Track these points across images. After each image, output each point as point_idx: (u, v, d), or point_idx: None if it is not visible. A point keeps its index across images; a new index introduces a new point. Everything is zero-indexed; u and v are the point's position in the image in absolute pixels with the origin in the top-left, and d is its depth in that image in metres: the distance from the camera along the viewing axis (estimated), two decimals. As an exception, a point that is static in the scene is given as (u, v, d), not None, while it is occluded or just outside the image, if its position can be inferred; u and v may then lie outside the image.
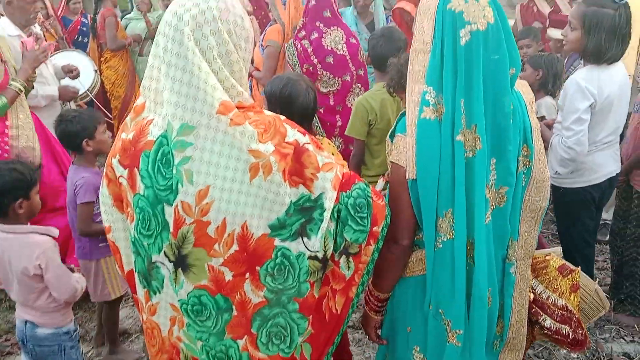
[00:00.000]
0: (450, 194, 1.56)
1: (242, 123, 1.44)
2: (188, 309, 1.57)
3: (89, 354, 3.03)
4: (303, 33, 3.79)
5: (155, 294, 1.61)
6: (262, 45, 4.10)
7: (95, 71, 4.20)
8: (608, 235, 3.68)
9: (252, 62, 4.27)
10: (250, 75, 4.22)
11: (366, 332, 1.89)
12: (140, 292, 1.65)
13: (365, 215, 1.60)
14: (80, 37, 5.70)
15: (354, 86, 3.72)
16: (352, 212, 1.59)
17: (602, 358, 2.84)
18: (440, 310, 1.68)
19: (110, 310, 2.92)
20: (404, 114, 1.69)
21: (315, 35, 3.72)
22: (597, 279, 2.76)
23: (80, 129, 2.62)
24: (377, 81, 3.21)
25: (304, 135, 1.56)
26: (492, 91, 1.53)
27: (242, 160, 1.45)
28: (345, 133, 3.20)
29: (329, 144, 2.53)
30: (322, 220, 1.54)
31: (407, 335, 1.79)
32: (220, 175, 1.45)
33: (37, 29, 3.81)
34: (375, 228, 1.62)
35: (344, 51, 3.70)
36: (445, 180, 1.56)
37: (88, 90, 4.01)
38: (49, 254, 2.17)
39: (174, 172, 1.45)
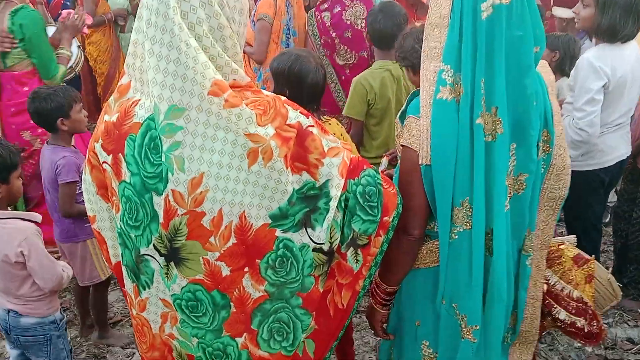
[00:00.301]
0: (468, 181, 1.45)
1: (238, 104, 1.31)
2: (182, 305, 1.46)
3: (78, 339, 2.92)
4: (325, 5, 3.68)
5: (144, 289, 1.50)
6: (253, 20, 3.94)
7: (79, 47, 4.01)
8: (608, 217, 3.61)
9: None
10: None
11: (371, 326, 1.79)
12: (129, 286, 1.53)
13: (376, 204, 1.48)
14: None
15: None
16: (361, 201, 1.47)
17: (606, 343, 2.78)
18: (453, 305, 1.58)
19: (98, 292, 2.81)
20: (415, 93, 1.55)
21: (338, 8, 3.61)
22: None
23: (55, 108, 2.48)
24: (376, 59, 3.07)
25: (308, 117, 1.43)
26: (514, 71, 1.40)
27: (239, 145, 1.32)
28: (343, 113, 3.06)
29: (337, 124, 2.39)
30: (327, 210, 1.43)
31: (415, 329, 1.69)
32: (215, 162, 1.32)
33: None
34: (385, 218, 1.50)
35: (361, 27, 3.55)
36: (462, 166, 1.44)
37: (72, 66, 3.84)
38: (31, 241, 2.05)
39: (163, 159, 1.32)
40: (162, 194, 1.34)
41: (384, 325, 1.76)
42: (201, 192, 1.34)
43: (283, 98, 1.43)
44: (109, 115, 1.41)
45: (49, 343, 2.18)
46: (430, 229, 1.59)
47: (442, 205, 1.48)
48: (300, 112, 1.42)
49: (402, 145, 1.53)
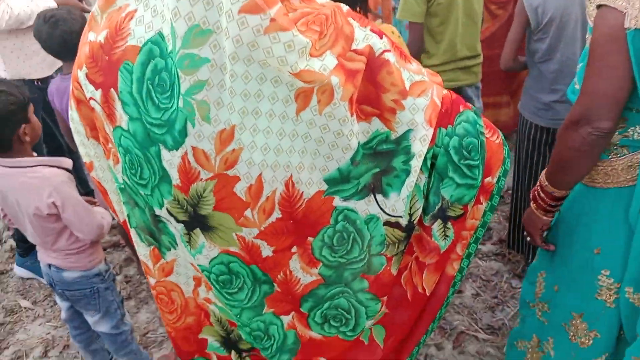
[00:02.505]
0: None
1: (289, 28, 0.84)
2: (212, 278, 1.09)
3: (138, 277, 2.72)
4: None
5: (168, 249, 1.14)
6: None
7: None
8: None
9: None
10: None
11: (528, 232, 1.38)
12: (143, 251, 1.18)
13: (476, 162, 1.04)
14: None
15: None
16: (456, 159, 1.03)
17: None
18: None
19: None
20: None
21: None
22: None
23: (79, 29, 1.98)
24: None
25: (381, 36, 0.95)
26: None
27: (284, 84, 0.88)
28: (397, 17, 2.50)
29: (393, 32, 1.82)
30: (407, 172, 0.99)
31: (592, 257, 1.27)
32: (250, 110, 0.89)
33: None
34: (488, 179, 1.06)
35: None
36: None
37: None
38: (63, 190, 1.73)
39: (181, 104, 0.90)
40: (175, 150, 0.94)
41: (544, 233, 1.35)
42: (233, 150, 0.92)
43: (345, 7, 0.96)
44: (95, 33, 0.99)
45: (96, 296, 1.94)
46: (628, 137, 1.14)
47: None
48: (371, 30, 0.94)
49: (598, 5, 1.05)
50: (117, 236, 2.94)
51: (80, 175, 3.01)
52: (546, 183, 1.25)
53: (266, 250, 1.04)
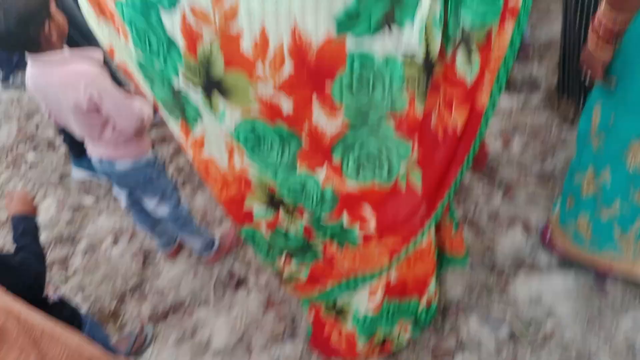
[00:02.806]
0: None
1: None
2: (241, 142, 1.11)
3: (175, 180, 2.81)
4: None
5: (195, 121, 1.15)
6: None
7: None
8: None
9: None
10: None
11: (590, 69, 1.33)
12: (174, 125, 1.19)
13: None
14: None
15: None
16: None
17: None
18: None
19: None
20: None
21: None
22: None
23: None
24: None
25: None
26: None
27: None
28: None
29: None
30: (418, 1, 0.90)
31: None
32: None
33: None
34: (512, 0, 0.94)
35: None
36: None
37: None
38: (98, 82, 1.73)
39: None
40: (172, 8, 0.91)
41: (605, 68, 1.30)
42: (230, 6, 0.89)
43: None
44: None
45: (150, 182, 2.02)
46: None
47: None
48: None
49: None
50: (163, 129, 3.01)
51: (114, 78, 3.01)
52: (605, 10, 1.17)
53: (286, 104, 1.02)
